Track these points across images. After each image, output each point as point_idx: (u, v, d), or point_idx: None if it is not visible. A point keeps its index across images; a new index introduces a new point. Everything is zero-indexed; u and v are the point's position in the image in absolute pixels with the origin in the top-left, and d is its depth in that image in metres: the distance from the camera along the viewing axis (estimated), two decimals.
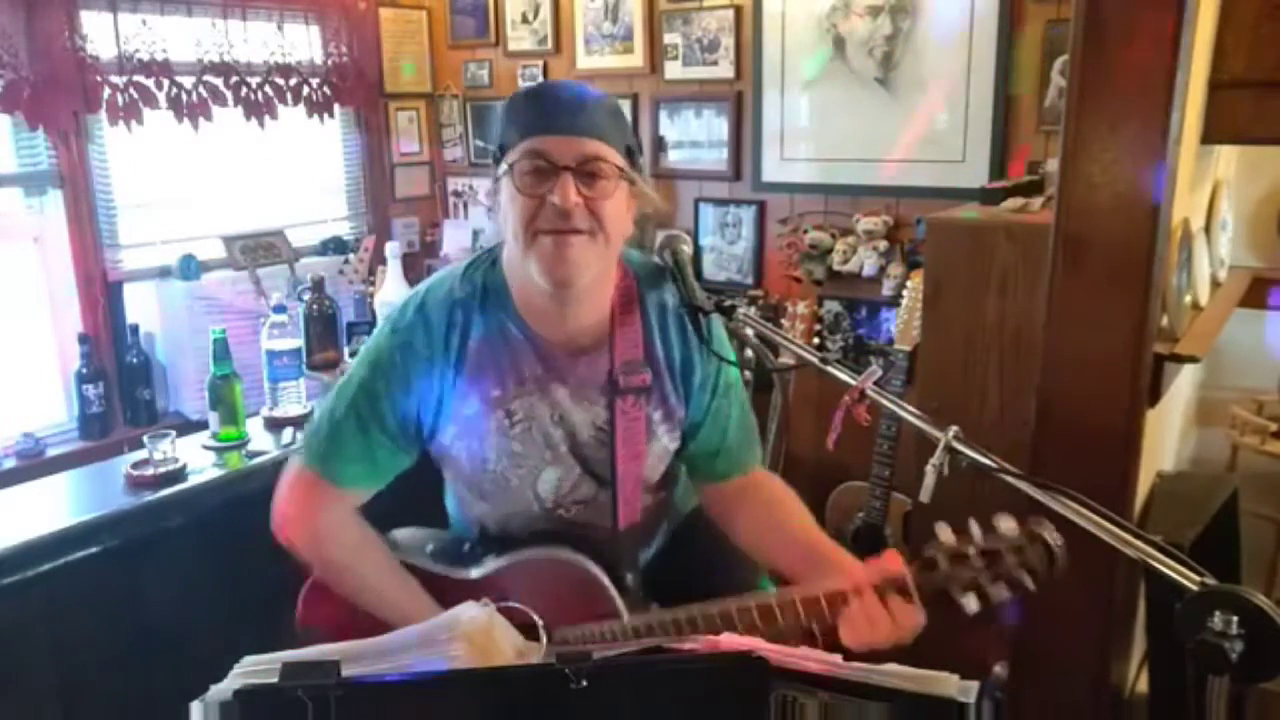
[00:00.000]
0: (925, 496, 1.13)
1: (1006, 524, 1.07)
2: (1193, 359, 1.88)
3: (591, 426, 1.39)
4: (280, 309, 2.28)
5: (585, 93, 1.29)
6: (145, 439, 1.97)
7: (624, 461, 1.39)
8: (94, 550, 1.76)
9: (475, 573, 1.44)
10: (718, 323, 1.40)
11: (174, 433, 2.00)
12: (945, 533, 1.09)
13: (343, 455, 1.37)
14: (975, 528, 1.08)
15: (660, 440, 1.44)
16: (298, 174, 3.95)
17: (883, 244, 3.21)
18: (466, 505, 1.52)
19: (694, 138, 3.61)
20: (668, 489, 1.57)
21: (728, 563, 1.55)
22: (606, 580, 1.36)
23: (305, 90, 3.75)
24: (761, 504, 1.47)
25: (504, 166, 1.27)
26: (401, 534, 1.56)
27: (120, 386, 3.30)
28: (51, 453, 3.12)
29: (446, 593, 1.39)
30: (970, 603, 1.07)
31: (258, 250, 3.53)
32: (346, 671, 0.82)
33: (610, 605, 1.35)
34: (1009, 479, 1.07)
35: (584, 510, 1.44)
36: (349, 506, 1.41)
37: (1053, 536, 1.04)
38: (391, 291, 2.76)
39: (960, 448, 1.10)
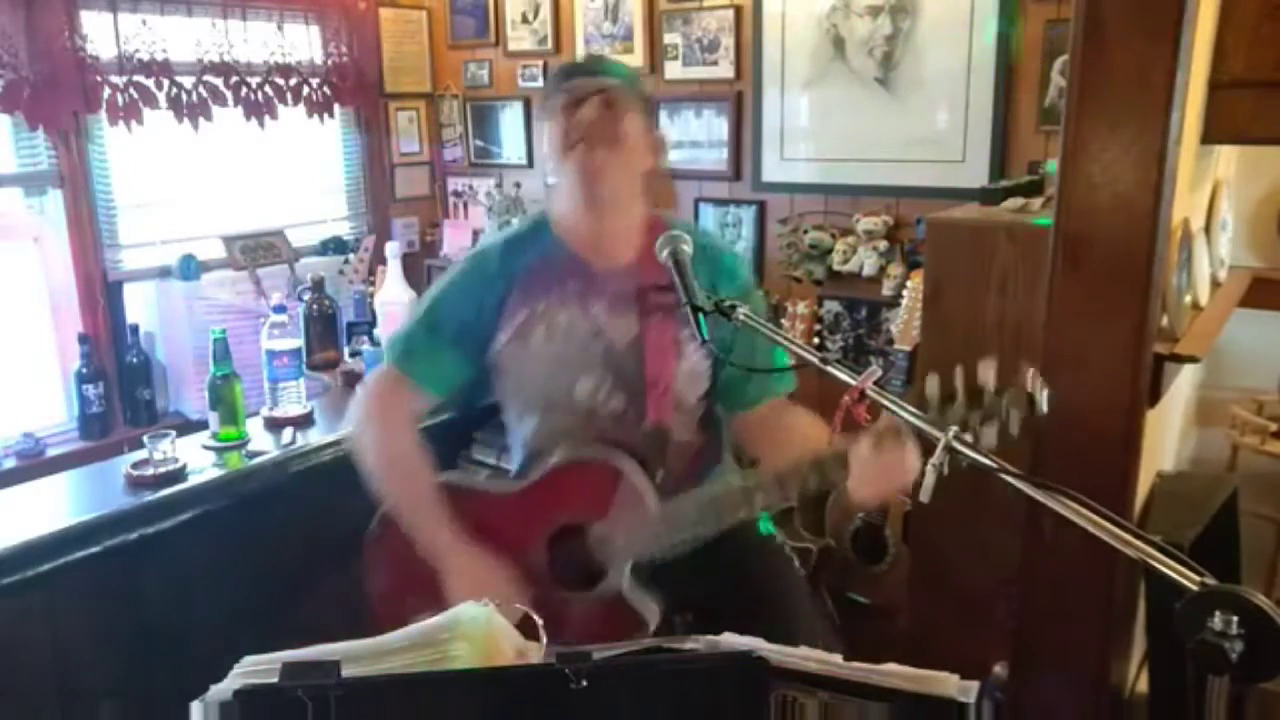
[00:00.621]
0: (925, 496, 1.13)
1: (988, 369, 1.17)
2: (1193, 359, 1.88)
3: (626, 338, 1.58)
4: (280, 309, 2.28)
5: (606, 55, 1.66)
6: (145, 439, 1.97)
7: (653, 365, 1.56)
8: (94, 550, 1.76)
9: (520, 486, 1.62)
10: (741, 261, 1.71)
11: (174, 433, 2.00)
12: (931, 382, 1.19)
13: (415, 355, 1.63)
14: (959, 374, 1.18)
15: (689, 359, 1.59)
16: (298, 174, 3.95)
17: (883, 244, 3.21)
18: (518, 423, 1.69)
19: (694, 138, 3.62)
20: (711, 433, 1.70)
21: (762, 569, 1.69)
22: (637, 472, 1.51)
23: (305, 90, 3.75)
24: (785, 426, 1.61)
25: (547, 109, 1.58)
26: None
27: (120, 386, 3.30)
28: (51, 453, 3.12)
29: (494, 506, 1.60)
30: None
31: (258, 250, 3.53)
32: (346, 672, 0.82)
33: (642, 498, 1.50)
34: (1009, 479, 1.07)
35: (617, 425, 1.59)
36: (415, 407, 1.65)
37: (1034, 381, 1.15)
38: (391, 291, 2.76)
39: (960, 448, 1.10)
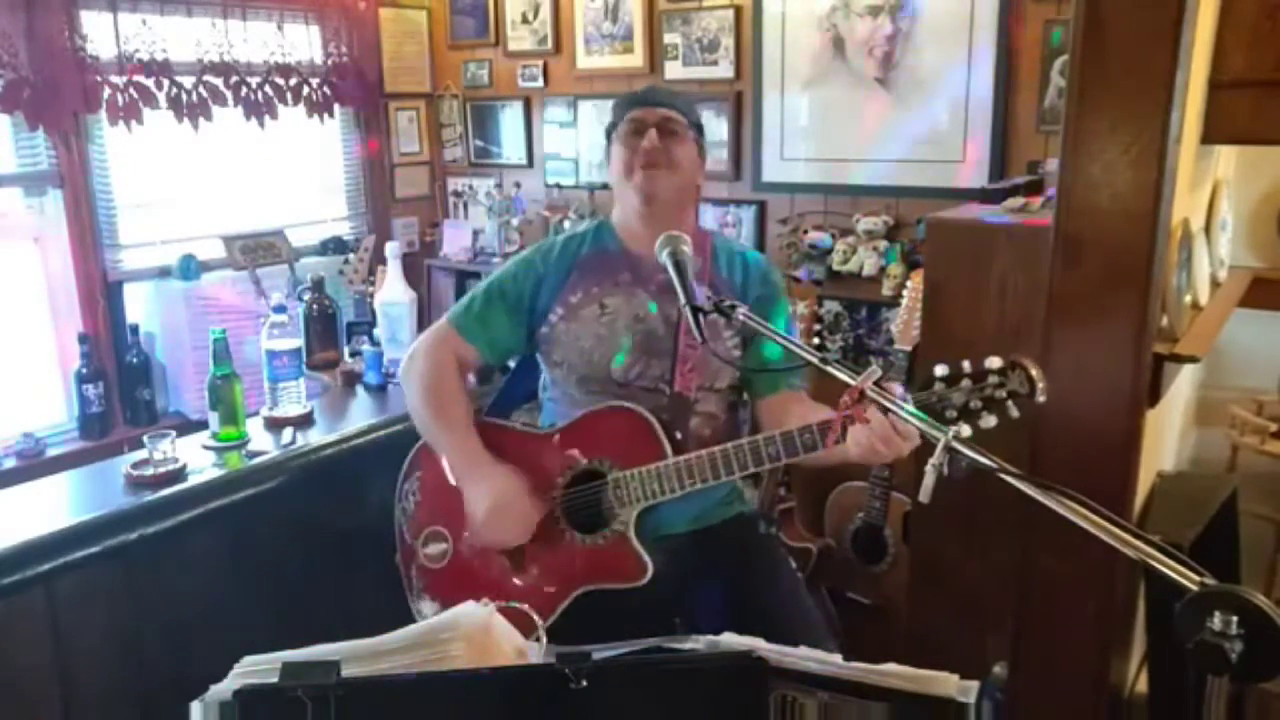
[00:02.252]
0: (925, 496, 1.13)
1: (992, 360, 1.28)
2: (1193, 359, 1.88)
3: (665, 325, 1.77)
4: (280, 309, 2.28)
5: (665, 88, 2.00)
6: (145, 439, 1.97)
7: (685, 344, 1.74)
8: (94, 550, 1.76)
9: (550, 429, 1.79)
10: (776, 270, 1.91)
11: (174, 433, 2.00)
12: (940, 367, 1.30)
13: (470, 315, 1.84)
14: (966, 363, 1.29)
15: (723, 339, 1.78)
16: (298, 174, 3.95)
17: (883, 244, 3.21)
18: (559, 384, 1.83)
19: None
20: (733, 416, 1.86)
21: (758, 572, 1.79)
22: (659, 427, 1.67)
23: (305, 90, 3.75)
24: (797, 415, 1.68)
25: (614, 134, 1.82)
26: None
27: (120, 386, 3.30)
28: (51, 453, 3.12)
29: (524, 442, 1.78)
30: (963, 429, 1.22)
31: (258, 250, 3.53)
32: (346, 672, 0.82)
33: (661, 449, 1.65)
34: (1009, 479, 1.07)
35: (647, 396, 1.75)
36: (461, 361, 1.83)
37: (1034, 368, 1.24)
38: (391, 292, 2.76)
39: (960, 448, 1.10)
